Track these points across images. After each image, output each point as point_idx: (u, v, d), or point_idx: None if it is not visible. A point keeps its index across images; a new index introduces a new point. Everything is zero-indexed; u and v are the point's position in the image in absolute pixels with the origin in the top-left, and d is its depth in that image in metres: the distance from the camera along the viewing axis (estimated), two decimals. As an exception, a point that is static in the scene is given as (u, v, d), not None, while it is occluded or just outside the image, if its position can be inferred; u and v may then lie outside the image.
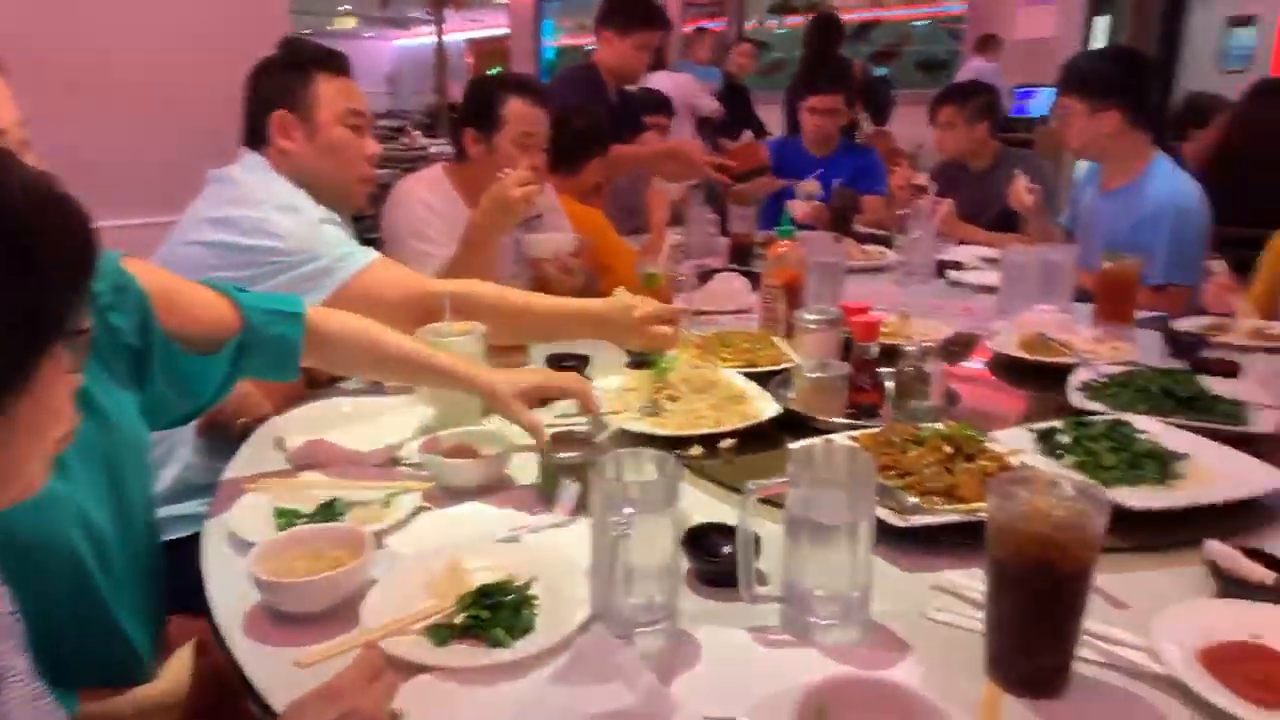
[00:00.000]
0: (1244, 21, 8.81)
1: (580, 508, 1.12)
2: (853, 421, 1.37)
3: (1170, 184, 2.45)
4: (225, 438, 1.45)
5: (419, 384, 1.43)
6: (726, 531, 1.03)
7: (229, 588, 0.99)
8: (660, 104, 3.95)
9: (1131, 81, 2.51)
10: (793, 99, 4.18)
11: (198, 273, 1.26)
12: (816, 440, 1.24)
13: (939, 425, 1.25)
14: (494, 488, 1.22)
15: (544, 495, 1.17)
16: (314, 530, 1.03)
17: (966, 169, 3.37)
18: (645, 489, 0.86)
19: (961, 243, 3.01)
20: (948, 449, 1.16)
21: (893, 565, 1.03)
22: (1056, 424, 1.31)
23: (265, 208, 1.52)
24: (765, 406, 1.40)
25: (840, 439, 1.26)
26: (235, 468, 1.32)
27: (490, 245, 1.85)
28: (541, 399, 1.30)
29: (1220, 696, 0.80)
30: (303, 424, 1.39)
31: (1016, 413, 1.60)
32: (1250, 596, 0.95)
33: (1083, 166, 2.76)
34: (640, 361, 1.68)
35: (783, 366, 1.59)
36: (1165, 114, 4.37)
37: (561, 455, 1.16)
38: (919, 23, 8.98)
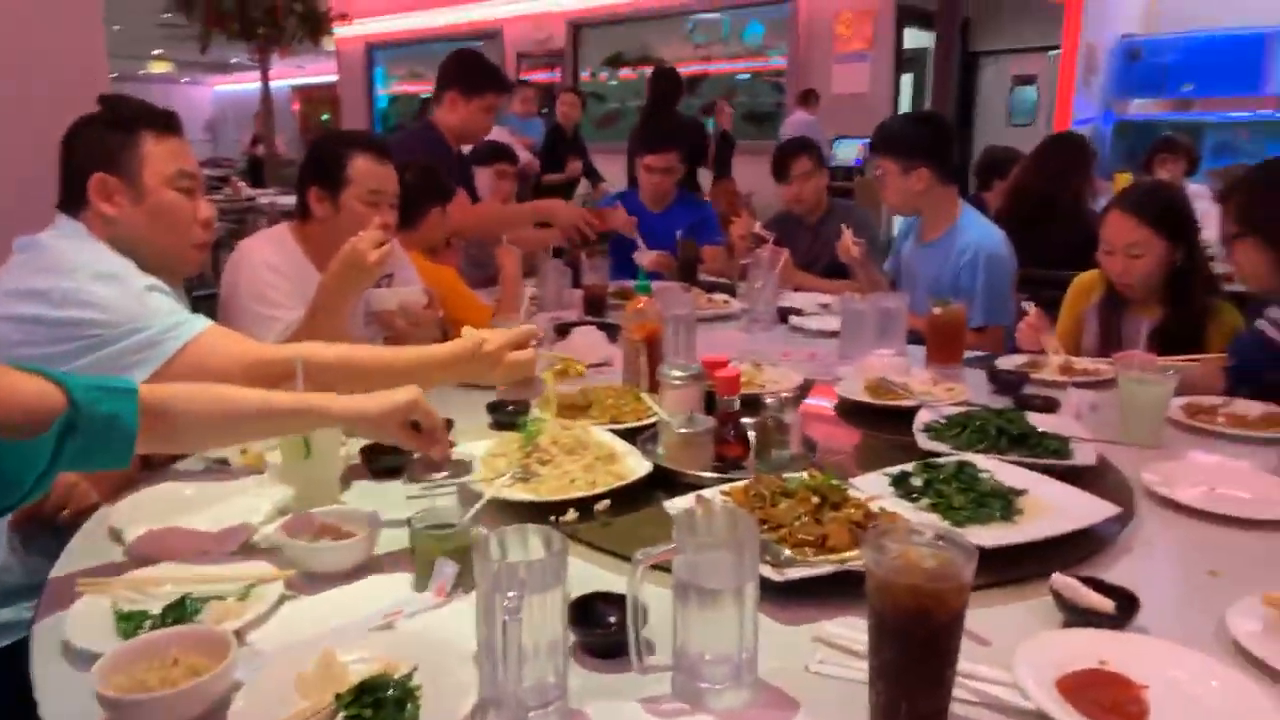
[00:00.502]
0: (1027, 80, 9.85)
1: (457, 586, 1.09)
2: (722, 475, 1.40)
3: (980, 232, 2.70)
4: (47, 532, 1.31)
5: (281, 435, 1.32)
6: (610, 600, 1.03)
7: (67, 706, 0.89)
8: (503, 152, 3.96)
9: (938, 143, 2.77)
10: (632, 154, 4.28)
11: (1, 351, 1.14)
12: (692, 499, 1.26)
13: (804, 475, 1.29)
14: (363, 570, 1.17)
15: (418, 576, 1.12)
16: (166, 635, 0.95)
17: (801, 220, 3.55)
18: (533, 568, 0.84)
19: (798, 289, 3.16)
20: (815, 499, 1.20)
21: (773, 620, 1.05)
22: (908, 468, 1.39)
23: (80, 276, 1.39)
24: (637, 465, 1.41)
25: (712, 494, 1.29)
26: (64, 565, 1.19)
27: (342, 308, 1.78)
28: (414, 423, 1.25)
29: (1076, 722, 0.87)
30: (140, 512, 1.28)
31: (867, 454, 1.69)
32: (1094, 624, 1.03)
33: (900, 219, 2.98)
34: (506, 423, 1.65)
35: (649, 421, 1.60)
36: (967, 166, 4.80)
37: (435, 533, 1.12)
38: (742, 76, 9.45)
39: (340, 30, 10.23)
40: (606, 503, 1.33)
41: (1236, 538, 1.31)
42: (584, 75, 10.81)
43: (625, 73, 10.52)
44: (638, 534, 1.25)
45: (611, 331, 2.36)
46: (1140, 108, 7.73)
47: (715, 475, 1.41)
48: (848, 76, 8.20)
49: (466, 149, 3.47)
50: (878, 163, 2.81)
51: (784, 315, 2.75)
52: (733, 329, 2.71)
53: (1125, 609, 1.04)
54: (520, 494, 1.32)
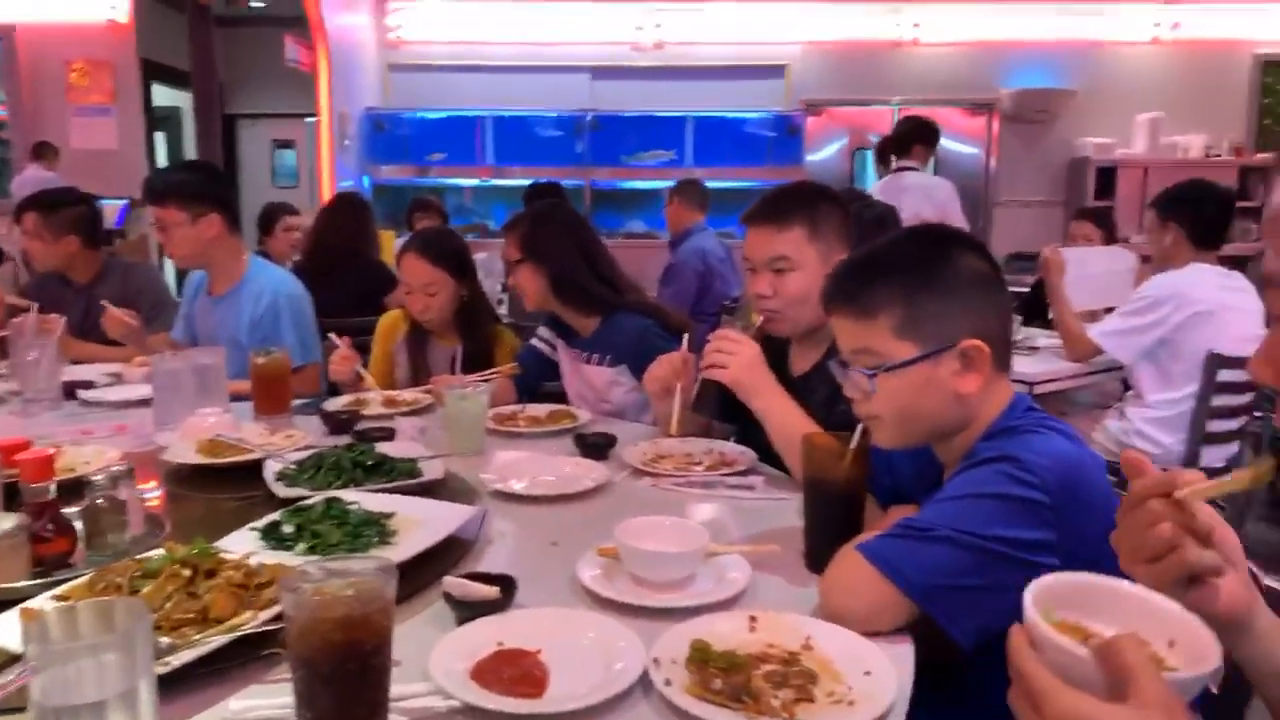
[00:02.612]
0: (287, 144, 10.13)
1: None
2: (46, 580, 1.13)
3: (274, 277, 2.69)
4: None
5: None
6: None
7: None
8: None
9: (222, 188, 2.69)
10: None
11: None
12: (14, 616, 1.00)
13: (159, 551, 1.12)
14: None
15: None
16: None
17: (70, 282, 3.07)
18: None
19: (78, 362, 2.73)
20: (185, 572, 1.05)
21: (165, 720, 0.89)
22: (276, 517, 1.32)
23: None
24: (-90, 598, 1.05)
25: (41, 603, 1.03)
26: None
27: None
28: None
29: (494, 702, 0.93)
30: None
31: (222, 516, 1.53)
32: (484, 613, 1.12)
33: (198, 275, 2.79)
34: None
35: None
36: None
37: None
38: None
39: None
40: None
41: (562, 511, 1.56)
42: None
43: None
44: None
45: None
46: (390, 173, 8.56)
47: (39, 583, 1.13)
48: (90, 131, 7.34)
49: None
50: (158, 215, 2.58)
51: (70, 391, 2.34)
52: (3, 414, 2.20)
53: (507, 591, 1.15)
54: None
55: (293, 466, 1.61)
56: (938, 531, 1.06)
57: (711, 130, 8.01)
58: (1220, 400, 2.84)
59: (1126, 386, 3.21)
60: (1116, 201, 7.33)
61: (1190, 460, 2.87)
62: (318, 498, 1.40)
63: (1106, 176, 7.59)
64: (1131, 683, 0.61)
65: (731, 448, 1.83)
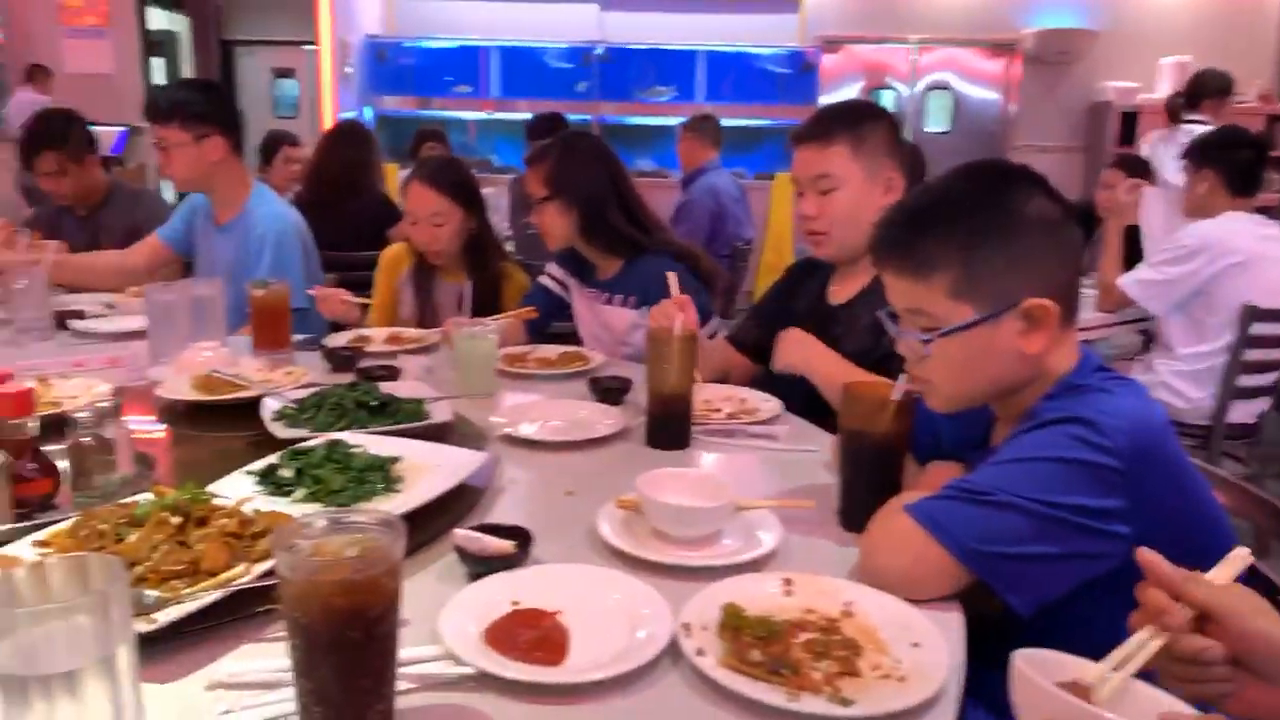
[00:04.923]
0: (286, 73, 9.85)
1: None
2: (29, 524, 1.05)
3: (272, 210, 2.53)
4: None
5: None
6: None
7: None
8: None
9: (227, 109, 2.52)
10: None
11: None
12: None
13: (148, 495, 1.04)
14: None
15: None
16: None
17: (70, 210, 2.95)
18: None
19: (76, 290, 2.63)
20: (175, 519, 0.97)
21: (153, 684, 0.81)
22: (274, 460, 1.23)
23: None
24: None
25: (21, 549, 0.95)
26: None
27: None
28: None
29: (511, 670, 0.85)
30: None
31: (217, 457, 1.45)
32: (499, 568, 1.03)
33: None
34: None
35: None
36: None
37: None
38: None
39: None
40: None
41: (576, 458, 1.47)
42: None
43: None
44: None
45: None
46: (393, 104, 8.34)
47: (22, 526, 1.04)
48: (85, 54, 7.11)
49: None
50: (160, 134, 2.43)
51: (63, 320, 2.24)
52: (-8, 345, 2.11)
53: (523, 545, 1.07)
54: None
55: (292, 405, 1.52)
56: (997, 496, 0.97)
57: (724, 65, 7.77)
58: (1252, 354, 2.74)
59: (1146, 341, 3.10)
60: (1138, 148, 7.13)
61: (1218, 415, 2.79)
62: (319, 440, 1.31)
63: (1129, 122, 7.36)
64: None
65: (754, 394, 1.74)
